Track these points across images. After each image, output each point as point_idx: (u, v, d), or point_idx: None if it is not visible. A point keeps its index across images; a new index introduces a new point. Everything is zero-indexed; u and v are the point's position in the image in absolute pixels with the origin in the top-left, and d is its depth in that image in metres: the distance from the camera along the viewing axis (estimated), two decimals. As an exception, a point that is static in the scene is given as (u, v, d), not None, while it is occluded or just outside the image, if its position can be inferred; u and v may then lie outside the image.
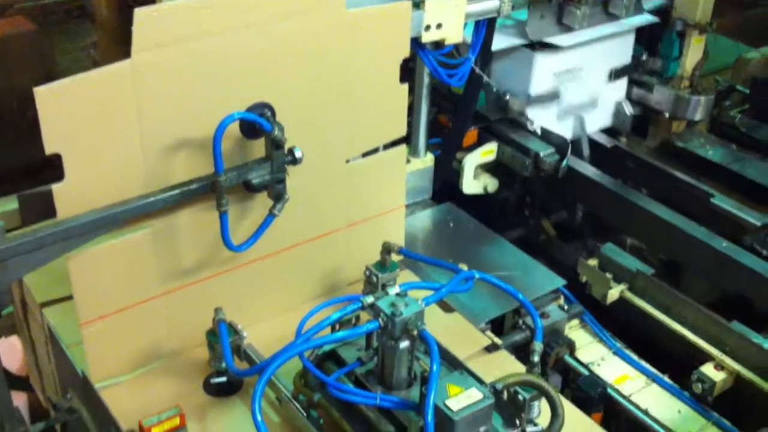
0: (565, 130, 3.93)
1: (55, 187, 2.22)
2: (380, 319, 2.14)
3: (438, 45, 3.12)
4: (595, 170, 3.82)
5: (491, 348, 2.76)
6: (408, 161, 3.43)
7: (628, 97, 4.17)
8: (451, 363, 2.32)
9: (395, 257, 2.79)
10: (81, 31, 6.77)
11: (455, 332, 2.77)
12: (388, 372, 2.22)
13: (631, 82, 4.19)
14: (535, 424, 2.14)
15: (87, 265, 2.36)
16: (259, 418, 2.05)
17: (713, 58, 4.30)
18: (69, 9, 7.20)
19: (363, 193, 2.91)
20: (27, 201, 2.80)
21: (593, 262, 3.34)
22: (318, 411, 2.31)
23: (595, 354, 3.08)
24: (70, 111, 2.17)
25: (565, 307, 3.07)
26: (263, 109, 2.46)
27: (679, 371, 3.00)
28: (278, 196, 2.54)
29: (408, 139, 3.32)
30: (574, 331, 3.16)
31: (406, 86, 2.85)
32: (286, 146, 2.46)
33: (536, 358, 2.30)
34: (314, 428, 2.26)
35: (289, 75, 2.54)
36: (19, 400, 3.51)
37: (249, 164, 2.48)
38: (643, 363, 3.04)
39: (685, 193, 3.75)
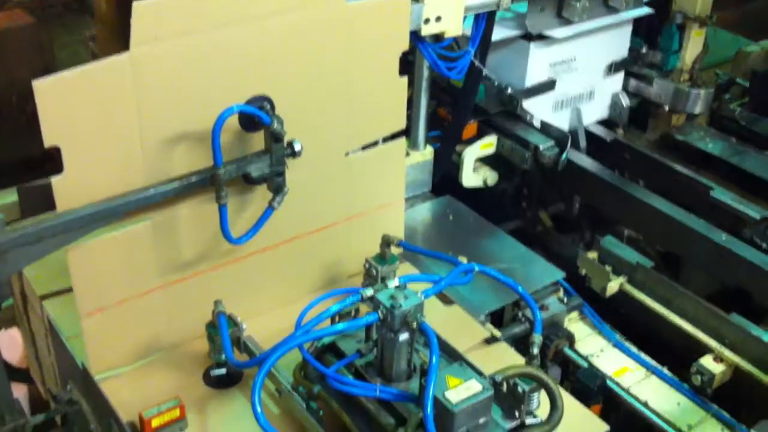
0: (562, 121, 3.93)
1: (55, 180, 2.21)
2: (380, 312, 2.15)
3: (437, 38, 3.10)
4: (594, 162, 3.81)
5: (491, 340, 2.77)
6: (407, 154, 3.42)
7: (626, 89, 4.16)
8: (451, 355, 2.32)
9: (395, 250, 2.80)
10: (80, 24, 6.77)
11: (455, 324, 2.78)
12: (387, 364, 2.23)
13: (631, 75, 4.18)
14: (535, 416, 2.15)
15: (86, 258, 2.36)
16: (258, 409, 2.05)
17: (713, 51, 4.31)
18: (68, 2, 7.21)
19: (362, 185, 2.91)
20: (26, 193, 2.79)
21: (593, 254, 3.33)
22: (318, 403, 2.31)
23: (595, 346, 3.08)
24: (69, 104, 2.17)
25: (565, 300, 3.07)
26: (262, 101, 2.46)
27: (679, 363, 3.00)
28: (277, 189, 2.54)
29: (407, 132, 3.31)
30: (574, 323, 3.16)
31: (405, 79, 2.84)
32: (286, 139, 2.46)
33: (536, 351, 2.30)
34: (314, 420, 2.26)
35: (288, 68, 2.53)
36: (20, 391, 3.52)
37: (248, 157, 2.48)
38: (643, 355, 3.05)
39: (685, 186, 3.74)
